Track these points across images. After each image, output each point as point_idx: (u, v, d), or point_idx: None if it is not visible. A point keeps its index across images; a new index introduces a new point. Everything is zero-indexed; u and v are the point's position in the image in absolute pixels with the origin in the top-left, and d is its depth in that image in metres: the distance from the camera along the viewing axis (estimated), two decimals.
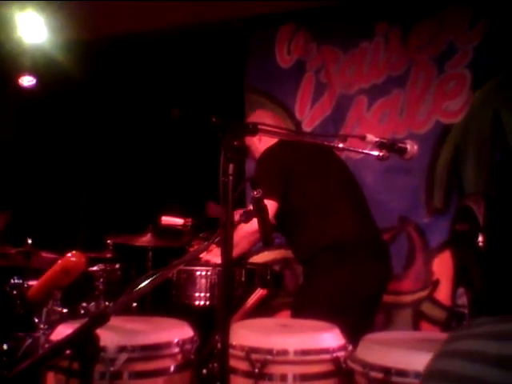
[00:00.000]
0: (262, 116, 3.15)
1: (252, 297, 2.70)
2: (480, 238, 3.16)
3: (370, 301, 2.80)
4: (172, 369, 2.03)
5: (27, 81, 4.40)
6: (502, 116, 3.49)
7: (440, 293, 3.54)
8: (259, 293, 2.71)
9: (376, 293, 2.84)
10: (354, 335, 2.10)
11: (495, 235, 3.13)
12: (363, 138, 1.85)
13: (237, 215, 2.95)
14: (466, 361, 0.84)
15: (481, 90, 3.57)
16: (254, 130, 1.63)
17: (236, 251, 2.53)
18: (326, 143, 2.12)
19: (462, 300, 3.31)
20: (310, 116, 4.03)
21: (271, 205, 2.58)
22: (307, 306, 2.65)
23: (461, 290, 3.35)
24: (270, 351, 1.95)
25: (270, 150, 2.91)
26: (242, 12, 4.09)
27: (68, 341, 1.34)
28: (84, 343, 1.32)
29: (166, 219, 3.34)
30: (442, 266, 3.54)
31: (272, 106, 4.11)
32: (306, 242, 2.81)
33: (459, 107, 3.61)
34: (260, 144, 2.98)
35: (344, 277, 2.68)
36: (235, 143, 1.54)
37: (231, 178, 1.55)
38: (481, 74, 3.57)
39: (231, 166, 1.55)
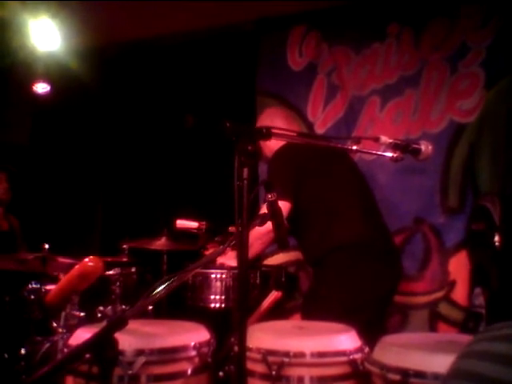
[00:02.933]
0: (272, 115, 3.15)
1: (267, 299, 2.71)
2: (496, 238, 3.14)
3: (381, 302, 2.80)
4: (189, 372, 2.04)
5: (41, 88, 4.45)
6: None
7: (456, 293, 3.51)
8: (274, 295, 2.71)
9: (387, 294, 2.83)
10: (365, 336, 2.10)
11: (511, 234, 3.11)
12: (377, 140, 1.85)
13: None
14: (488, 362, 0.84)
15: (494, 88, 3.55)
16: (268, 134, 1.63)
17: (250, 252, 2.54)
18: (339, 145, 2.12)
19: (479, 300, 3.29)
20: (322, 118, 4.03)
21: (284, 205, 2.57)
22: (319, 308, 2.65)
23: (477, 290, 3.32)
24: (286, 354, 1.96)
25: (282, 150, 2.91)
26: (252, 15, 4.10)
27: (87, 345, 1.35)
28: (103, 347, 1.34)
29: (181, 223, 3.35)
30: (458, 266, 3.52)
31: (284, 108, 4.11)
32: (317, 243, 2.80)
33: (473, 106, 3.59)
34: (271, 142, 2.95)
35: (355, 278, 2.68)
36: (249, 147, 1.55)
37: (246, 182, 1.55)
38: (494, 73, 3.54)
39: (245, 170, 1.56)
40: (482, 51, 3.59)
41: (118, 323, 1.39)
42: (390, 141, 1.82)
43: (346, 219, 2.79)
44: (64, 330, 2.76)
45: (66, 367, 1.49)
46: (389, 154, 1.86)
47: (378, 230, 2.86)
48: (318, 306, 2.68)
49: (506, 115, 3.50)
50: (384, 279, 2.75)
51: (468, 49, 3.63)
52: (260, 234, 2.57)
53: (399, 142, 1.84)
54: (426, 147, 1.86)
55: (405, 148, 1.83)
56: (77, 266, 2.81)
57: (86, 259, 2.82)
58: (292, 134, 2.22)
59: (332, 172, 2.93)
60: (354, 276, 2.68)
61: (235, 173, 1.57)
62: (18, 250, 3.91)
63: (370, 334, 2.13)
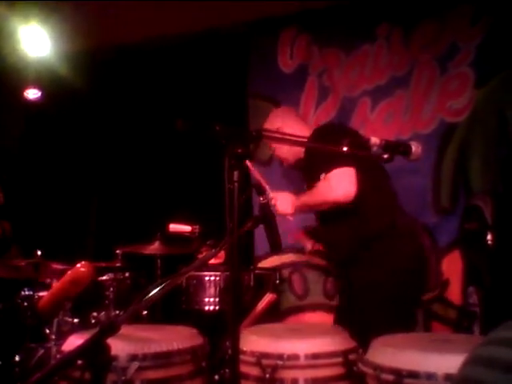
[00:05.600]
0: (283, 114, 3.14)
1: (261, 302, 2.71)
2: (489, 237, 3.16)
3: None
4: (183, 376, 2.04)
5: (32, 94, 4.44)
6: (506, 113, 3.49)
7: (450, 292, 3.52)
8: (268, 297, 2.72)
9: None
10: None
11: (504, 233, 3.12)
12: (367, 141, 1.85)
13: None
14: (487, 367, 0.83)
15: (484, 88, 3.56)
16: (258, 136, 1.64)
17: (312, 206, 2.70)
18: (331, 147, 2.13)
19: (473, 299, 3.30)
20: (314, 120, 4.03)
21: (352, 171, 2.53)
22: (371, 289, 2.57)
23: (471, 289, 3.34)
24: (280, 356, 1.96)
25: (322, 129, 2.88)
26: (243, 17, 4.10)
27: (79, 351, 1.35)
28: (95, 353, 1.33)
29: (174, 227, 3.35)
30: (452, 265, 3.53)
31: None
32: (361, 228, 2.69)
33: (463, 106, 3.60)
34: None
35: (398, 266, 2.60)
36: (239, 150, 1.55)
37: (236, 184, 1.56)
38: (484, 72, 3.56)
39: (236, 173, 1.56)
40: (471, 51, 3.60)
41: (110, 328, 1.38)
42: (380, 142, 1.83)
43: (387, 206, 2.73)
44: (57, 337, 2.74)
45: (58, 373, 1.49)
46: (379, 155, 1.86)
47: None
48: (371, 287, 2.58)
49: (497, 114, 3.52)
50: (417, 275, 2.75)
51: (458, 48, 3.64)
52: (324, 200, 2.59)
53: (389, 142, 1.85)
54: (416, 148, 1.87)
55: (395, 149, 1.84)
56: (69, 272, 2.81)
57: (78, 265, 2.82)
58: (282, 136, 2.22)
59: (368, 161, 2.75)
60: (401, 263, 2.62)
61: (226, 176, 1.57)
62: (11, 255, 3.89)
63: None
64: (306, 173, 3.01)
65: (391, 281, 2.55)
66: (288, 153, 3.03)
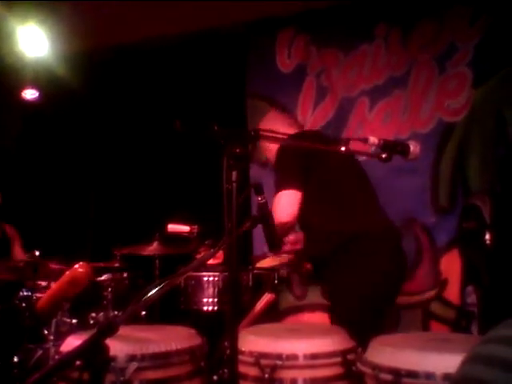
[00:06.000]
0: (273, 120, 3.12)
1: (260, 302, 2.71)
2: (487, 236, 3.16)
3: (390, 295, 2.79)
4: (182, 376, 2.04)
5: (30, 94, 4.43)
6: (504, 112, 3.49)
7: (449, 292, 3.53)
8: (267, 297, 2.71)
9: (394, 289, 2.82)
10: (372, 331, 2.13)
11: (502, 232, 3.12)
12: (365, 141, 1.85)
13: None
14: (490, 367, 0.83)
15: (482, 87, 3.57)
16: (256, 136, 1.63)
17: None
18: (329, 147, 2.12)
19: (471, 298, 3.30)
20: (312, 120, 4.04)
21: (295, 194, 2.62)
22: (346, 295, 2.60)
23: (469, 289, 3.34)
24: (279, 356, 1.95)
25: (287, 145, 2.86)
26: (241, 17, 4.10)
27: (77, 352, 1.35)
28: (93, 354, 1.33)
29: (173, 227, 3.34)
30: (450, 265, 3.53)
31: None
32: (332, 231, 2.71)
33: (461, 105, 3.61)
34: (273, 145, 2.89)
35: (374, 267, 2.63)
36: (237, 150, 1.55)
37: (234, 184, 1.55)
38: (482, 72, 3.57)
39: (234, 173, 1.56)
40: (469, 50, 3.61)
41: (109, 329, 1.38)
42: (378, 141, 1.83)
43: (359, 209, 2.77)
44: (55, 337, 2.74)
45: (56, 374, 1.48)
46: (377, 155, 1.86)
47: (386, 221, 2.85)
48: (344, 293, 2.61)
49: (495, 113, 3.52)
50: (394, 273, 2.74)
51: (456, 48, 3.65)
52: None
53: (387, 142, 1.85)
54: (414, 147, 1.86)
55: (393, 148, 1.83)
56: (67, 273, 2.80)
57: (76, 265, 2.81)
58: (280, 136, 2.22)
59: (339, 161, 2.85)
60: (373, 265, 2.63)
61: (224, 176, 1.57)
62: (14, 257, 3.89)
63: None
64: None
65: (365, 282, 2.59)
66: (269, 149, 2.95)
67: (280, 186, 2.67)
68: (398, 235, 2.81)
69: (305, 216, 2.74)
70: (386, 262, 2.70)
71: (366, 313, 2.54)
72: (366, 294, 2.57)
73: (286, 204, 2.65)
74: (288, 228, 2.69)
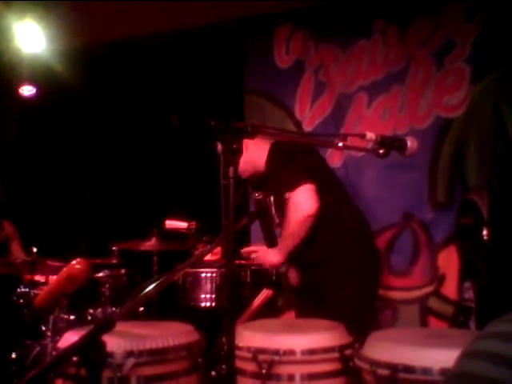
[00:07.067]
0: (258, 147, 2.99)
1: (258, 297, 2.71)
2: (484, 232, 3.16)
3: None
4: (180, 372, 2.04)
5: (27, 90, 4.42)
6: (502, 108, 3.49)
7: (446, 288, 3.53)
8: (265, 293, 2.71)
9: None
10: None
11: (499, 228, 3.12)
12: (363, 137, 1.85)
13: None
14: (487, 362, 0.83)
15: (480, 83, 3.56)
16: (253, 132, 1.63)
17: (295, 240, 2.70)
18: (326, 143, 2.12)
19: (469, 294, 3.31)
20: (310, 115, 4.03)
21: (313, 187, 2.68)
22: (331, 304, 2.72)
23: (467, 285, 3.34)
24: (276, 351, 1.96)
25: (277, 145, 2.87)
26: (239, 13, 4.09)
27: (74, 348, 1.35)
28: (90, 350, 1.33)
29: (170, 223, 3.34)
30: (448, 260, 3.53)
31: (272, 106, 4.11)
32: (325, 239, 2.81)
33: (459, 101, 3.60)
34: (258, 150, 2.89)
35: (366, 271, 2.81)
36: (234, 146, 1.54)
37: (232, 180, 1.55)
38: (480, 68, 3.56)
39: (231, 169, 1.55)
40: (467, 46, 3.60)
41: (106, 325, 1.38)
42: (376, 137, 1.83)
43: (350, 213, 2.92)
44: (53, 334, 2.74)
45: (54, 370, 1.48)
46: (375, 150, 1.86)
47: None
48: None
49: (493, 109, 3.51)
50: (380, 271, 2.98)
51: (454, 44, 3.64)
52: (299, 220, 2.67)
53: (384, 138, 1.85)
54: (411, 143, 1.87)
55: (390, 144, 1.83)
56: (64, 269, 2.80)
57: (73, 262, 2.81)
58: (278, 132, 2.22)
59: (325, 169, 2.99)
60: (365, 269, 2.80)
61: (221, 171, 1.57)
62: (12, 253, 3.89)
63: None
64: (262, 187, 3.01)
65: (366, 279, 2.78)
66: (247, 164, 2.83)
67: (298, 180, 2.70)
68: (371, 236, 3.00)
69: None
70: (378, 257, 2.93)
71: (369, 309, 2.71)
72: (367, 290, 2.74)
73: (310, 197, 2.69)
74: (312, 222, 2.71)
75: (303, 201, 2.68)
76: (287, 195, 2.73)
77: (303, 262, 2.89)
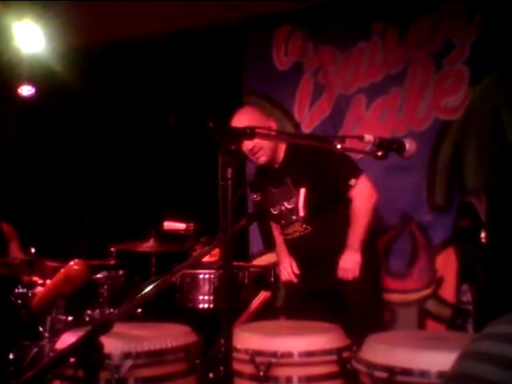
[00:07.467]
0: (250, 111, 2.97)
1: (256, 299, 2.71)
2: (482, 234, 3.16)
3: None
4: (177, 374, 2.04)
5: (26, 90, 4.42)
6: (500, 111, 3.49)
7: (444, 290, 3.52)
8: (263, 295, 2.71)
9: None
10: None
11: (497, 231, 3.13)
12: (361, 139, 1.85)
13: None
14: (486, 363, 0.82)
15: (479, 85, 3.56)
16: (252, 134, 1.63)
17: (367, 228, 2.79)
18: (324, 145, 2.12)
19: (467, 297, 3.31)
20: (308, 117, 4.03)
21: (366, 180, 2.78)
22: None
23: (465, 287, 3.34)
24: (274, 354, 1.96)
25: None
26: (238, 14, 4.09)
27: (71, 349, 1.34)
28: (87, 351, 1.33)
29: (169, 224, 3.34)
30: (446, 263, 3.53)
31: (271, 107, 4.11)
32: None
33: (458, 103, 3.60)
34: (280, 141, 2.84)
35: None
36: (232, 147, 1.54)
37: (230, 182, 1.55)
38: (479, 70, 3.56)
39: (229, 170, 1.55)
40: (466, 48, 3.60)
41: (103, 326, 1.37)
42: (374, 139, 1.82)
43: None
44: (50, 335, 2.74)
45: (51, 371, 1.48)
46: (373, 152, 1.86)
47: None
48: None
49: (491, 112, 3.52)
50: None
51: (452, 46, 3.64)
52: (370, 208, 2.79)
53: (383, 140, 1.84)
54: (410, 145, 1.86)
55: (389, 146, 1.83)
56: (62, 270, 2.80)
57: (71, 263, 2.81)
58: (276, 133, 2.22)
59: None
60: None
61: (219, 173, 1.56)
62: (11, 255, 3.88)
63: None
64: (285, 175, 2.85)
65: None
66: (271, 150, 2.78)
67: (356, 171, 2.79)
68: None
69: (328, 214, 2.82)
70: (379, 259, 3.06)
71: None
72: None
73: (372, 187, 2.80)
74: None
75: (371, 191, 2.78)
76: (352, 182, 2.76)
77: (313, 255, 2.85)
